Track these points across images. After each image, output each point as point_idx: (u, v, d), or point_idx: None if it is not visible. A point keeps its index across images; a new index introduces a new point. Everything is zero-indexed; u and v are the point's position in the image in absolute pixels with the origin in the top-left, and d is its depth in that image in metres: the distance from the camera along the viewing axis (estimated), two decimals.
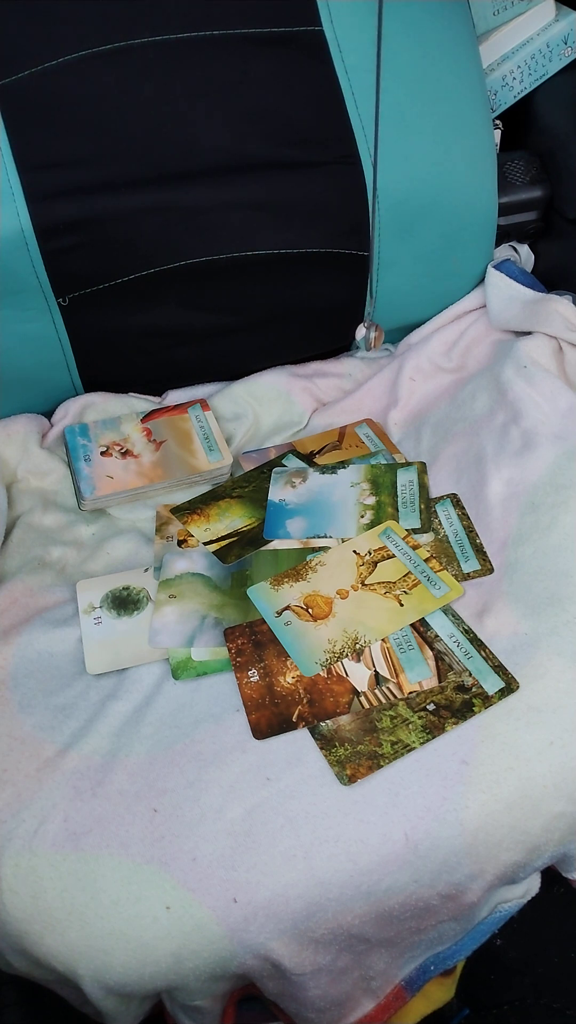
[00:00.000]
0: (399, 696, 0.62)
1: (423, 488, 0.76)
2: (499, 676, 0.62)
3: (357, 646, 0.65)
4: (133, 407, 0.86)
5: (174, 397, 0.88)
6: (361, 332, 0.74)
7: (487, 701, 0.61)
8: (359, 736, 0.60)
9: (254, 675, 0.64)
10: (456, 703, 0.61)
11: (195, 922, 0.54)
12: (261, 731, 0.61)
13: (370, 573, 0.70)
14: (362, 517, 0.74)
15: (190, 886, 0.55)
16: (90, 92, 0.71)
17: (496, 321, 0.86)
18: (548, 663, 0.62)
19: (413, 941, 0.63)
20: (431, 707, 0.61)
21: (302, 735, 0.61)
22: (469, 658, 0.64)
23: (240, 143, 0.74)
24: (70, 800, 0.58)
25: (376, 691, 0.63)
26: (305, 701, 0.62)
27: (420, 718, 0.61)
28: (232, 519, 0.76)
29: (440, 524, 0.74)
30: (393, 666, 0.64)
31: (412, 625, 0.66)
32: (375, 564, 0.70)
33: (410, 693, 0.62)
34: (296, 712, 0.62)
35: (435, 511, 0.75)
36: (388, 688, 0.63)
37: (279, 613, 0.67)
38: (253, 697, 0.62)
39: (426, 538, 0.73)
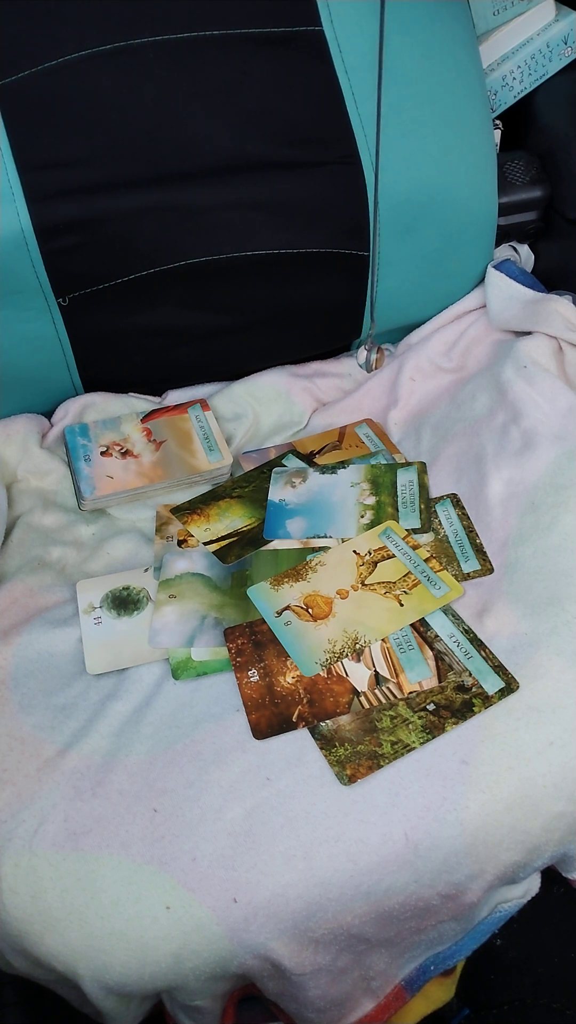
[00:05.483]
0: (399, 696, 0.62)
1: (423, 488, 0.76)
2: (499, 676, 0.62)
3: (357, 646, 0.65)
4: (133, 407, 0.86)
5: (174, 397, 0.88)
6: (363, 356, 0.73)
7: (487, 701, 0.61)
8: (359, 736, 0.60)
9: (254, 675, 0.64)
10: (456, 703, 0.61)
11: (195, 922, 0.54)
12: (261, 731, 0.61)
13: (370, 573, 0.70)
14: (362, 517, 0.74)
15: (190, 886, 0.55)
16: (90, 92, 0.71)
17: (496, 321, 0.86)
18: (548, 663, 0.62)
19: (413, 941, 0.63)
20: (431, 707, 0.61)
21: (302, 735, 0.61)
22: (469, 658, 0.64)
23: (240, 143, 0.74)
24: (70, 800, 0.58)
25: (376, 691, 0.63)
26: (305, 701, 0.62)
27: (420, 718, 0.61)
28: (232, 519, 0.76)
29: (440, 524, 0.74)
30: (393, 666, 0.64)
31: (412, 625, 0.66)
32: (375, 564, 0.70)
33: (410, 693, 0.62)
34: (296, 712, 0.62)
35: (435, 511, 0.75)
36: (388, 688, 0.63)
37: (279, 613, 0.67)
38: (253, 697, 0.62)
39: (426, 538, 0.73)
